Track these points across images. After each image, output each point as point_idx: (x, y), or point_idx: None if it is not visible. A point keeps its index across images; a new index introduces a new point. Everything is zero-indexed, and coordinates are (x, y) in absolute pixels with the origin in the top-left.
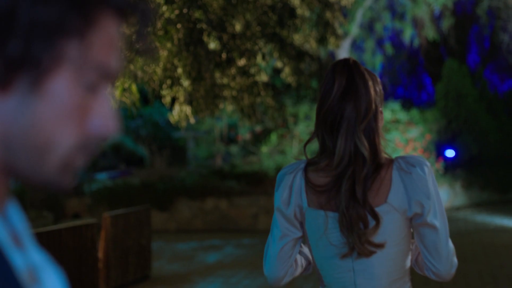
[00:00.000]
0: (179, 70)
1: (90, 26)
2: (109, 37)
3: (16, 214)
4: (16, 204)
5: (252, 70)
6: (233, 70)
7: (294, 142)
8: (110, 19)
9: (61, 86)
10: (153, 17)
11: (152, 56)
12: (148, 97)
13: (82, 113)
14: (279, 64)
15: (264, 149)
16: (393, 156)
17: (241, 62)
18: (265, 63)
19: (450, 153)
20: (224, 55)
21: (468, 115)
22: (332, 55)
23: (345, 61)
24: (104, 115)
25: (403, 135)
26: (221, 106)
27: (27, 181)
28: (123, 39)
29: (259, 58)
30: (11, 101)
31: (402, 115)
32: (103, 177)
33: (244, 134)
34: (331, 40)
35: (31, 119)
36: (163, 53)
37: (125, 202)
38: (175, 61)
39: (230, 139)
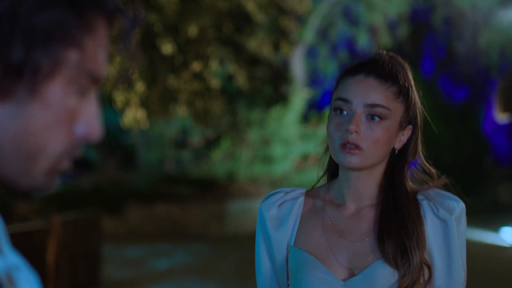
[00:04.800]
0: (135, 74)
1: (88, 31)
2: (101, 41)
3: None
4: None
5: (206, 75)
6: (187, 75)
7: (246, 148)
8: (102, 24)
9: (56, 92)
10: (140, 21)
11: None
12: (101, 101)
13: (72, 117)
14: (231, 70)
15: (215, 154)
16: None
17: (196, 66)
18: (219, 68)
19: None
20: (179, 59)
21: (423, 123)
22: (285, 61)
23: None
24: (91, 119)
25: None
26: (175, 110)
27: (11, 184)
28: (110, 42)
29: (214, 64)
30: (7, 108)
31: None
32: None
33: (195, 139)
34: (284, 46)
35: (24, 125)
36: (117, 57)
37: (75, 206)
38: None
39: (181, 144)
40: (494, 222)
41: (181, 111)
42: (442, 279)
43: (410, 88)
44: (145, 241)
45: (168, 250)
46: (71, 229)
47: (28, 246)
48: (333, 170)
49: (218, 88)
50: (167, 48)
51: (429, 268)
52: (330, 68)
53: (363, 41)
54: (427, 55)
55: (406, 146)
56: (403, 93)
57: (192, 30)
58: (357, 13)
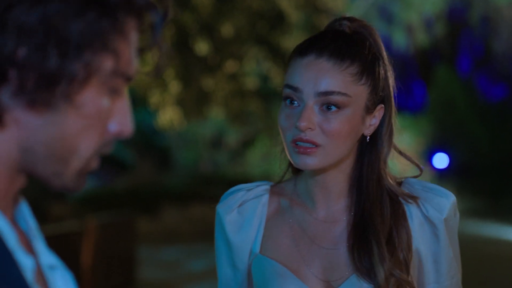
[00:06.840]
0: (170, 74)
1: (120, 35)
2: (131, 42)
3: (27, 216)
4: (27, 205)
5: (241, 75)
6: (222, 75)
7: (280, 148)
8: (132, 24)
9: (90, 97)
10: (170, 15)
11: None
12: (135, 102)
13: (105, 117)
14: (266, 69)
15: (251, 155)
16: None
17: (231, 67)
18: (255, 68)
19: (440, 163)
20: (214, 59)
21: (460, 122)
22: None
23: None
24: (123, 115)
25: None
26: (210, 110)
27: (44, 183)
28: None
29: (249, 64)
30: (44, 116)
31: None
32: (87, 181)
33: (231, 140)
34: None
35: (59, 131)
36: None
37: (110, 207)
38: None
39: (216, 145)
40: None
41: (216, 112)
42: (432, 285)
43: (377, 61)
44: (180, 242)
45: (204, 251)
46: (106, 231)
47: (63, 248)
48: None
49: (253, 88)
50: (202, 48)
51: (410, 285)
52: None
53: (399, 39)
54: (464, 53)
55: (378, 129)
56: (366, 71)
57: (227, 30)
58: (393, 12)
